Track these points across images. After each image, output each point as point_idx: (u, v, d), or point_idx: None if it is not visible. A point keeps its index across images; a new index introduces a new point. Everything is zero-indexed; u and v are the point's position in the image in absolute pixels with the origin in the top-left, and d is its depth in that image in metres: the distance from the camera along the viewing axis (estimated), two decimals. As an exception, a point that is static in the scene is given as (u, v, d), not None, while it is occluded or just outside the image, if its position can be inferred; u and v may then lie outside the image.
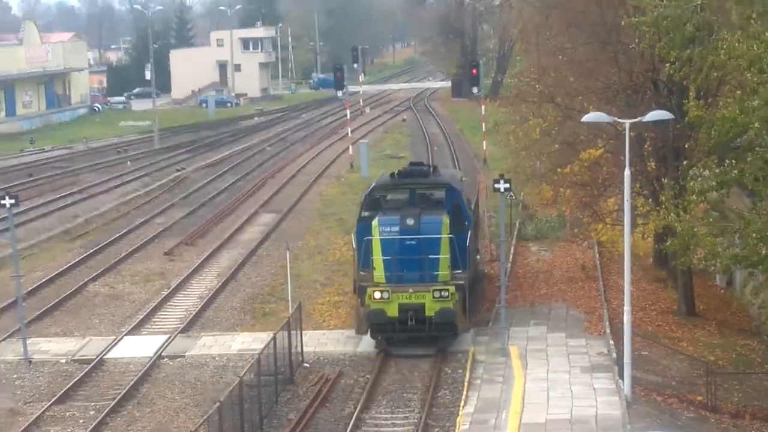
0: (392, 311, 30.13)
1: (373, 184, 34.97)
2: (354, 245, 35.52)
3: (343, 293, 49.44)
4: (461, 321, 30.27)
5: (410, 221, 29.60)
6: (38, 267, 53.99)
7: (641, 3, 36.23)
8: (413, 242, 29.69)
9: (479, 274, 40.48)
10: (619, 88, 41.61)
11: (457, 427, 30.65)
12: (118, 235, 67.18)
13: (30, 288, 47.37)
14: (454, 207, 31.69)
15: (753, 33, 30.91)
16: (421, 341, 31.62)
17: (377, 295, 29.82)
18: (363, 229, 31.70)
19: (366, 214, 32.00)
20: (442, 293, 29.17)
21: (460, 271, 30.81)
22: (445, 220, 30.66)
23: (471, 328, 32.89)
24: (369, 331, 32.06)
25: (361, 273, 32.15)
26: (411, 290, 29.88)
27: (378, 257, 30.20)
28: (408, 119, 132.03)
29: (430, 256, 29.89)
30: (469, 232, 33.39)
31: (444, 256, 30.16)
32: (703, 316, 43.33)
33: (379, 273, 30.08)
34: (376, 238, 30.46)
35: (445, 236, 30.13)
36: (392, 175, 34.41)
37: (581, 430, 30.15)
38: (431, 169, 36.32)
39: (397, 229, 29.95)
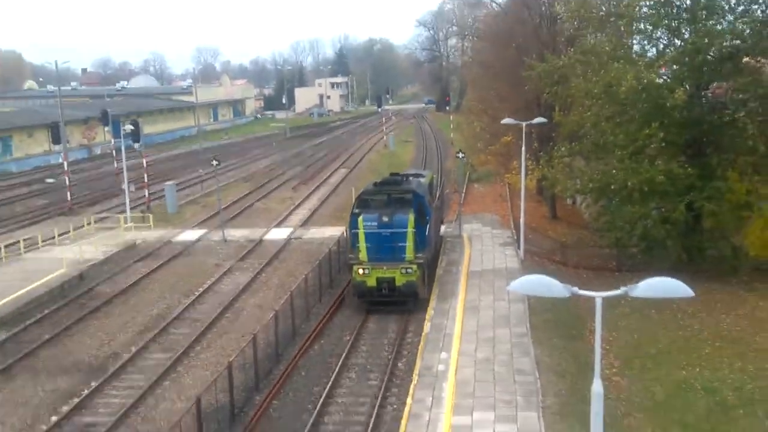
0: (371, 282, 27.76)
1: (362, 190, 31.79)
2: (348, 232, 32.36)
3: None
4: (421, 289, 27.83)
5: (385, 218, 27.53)
6: (229, 195, 54.70)
7: (532, 65, 36.66)
8: (387, 233, 27.38)
9: (437, 245, 35.82)
10: (521, 106, 42.23)
11: (438, 269, 33.43)
12: (268, 179, 67.89)
13: (225, 205, 48.41)
14: (419, 207, 28.91)
15: (587, 79, 33.01)
16: (392, 304, 28.65)
17: (360, 271, 27.64)
18: (353, 221, 28.97)
19: (356, 211, 29.22)
20: (408, 270, 26.99)
21: (421, 253, 28.07)
22: (411, 217, 27.98)
23: (429, 293, 29.27)
24: (356, 296, 29.20)
25: (350, 255, 29.22)
26: (385, 267, 27.43)
27: (362, 243, 27.76)
28: (413, 121, 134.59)
29: (399, 244, 27.36)
30: (429, 224, 30.11)
31: (409, 243, 27.54)
32: (560, 219, 44.63)
33: (363, 254, 27.74)
34: (361, 230, 27.95)
35: (410, 230, 27.60)
36: (375, 184, 31.40)
37: (497, 273, 32.54)
38: (404, 178, 32.93)
39: (375, 223, 27.64)
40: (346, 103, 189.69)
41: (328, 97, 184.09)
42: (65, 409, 21.66)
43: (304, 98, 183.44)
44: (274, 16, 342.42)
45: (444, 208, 43.18)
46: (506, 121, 35.99)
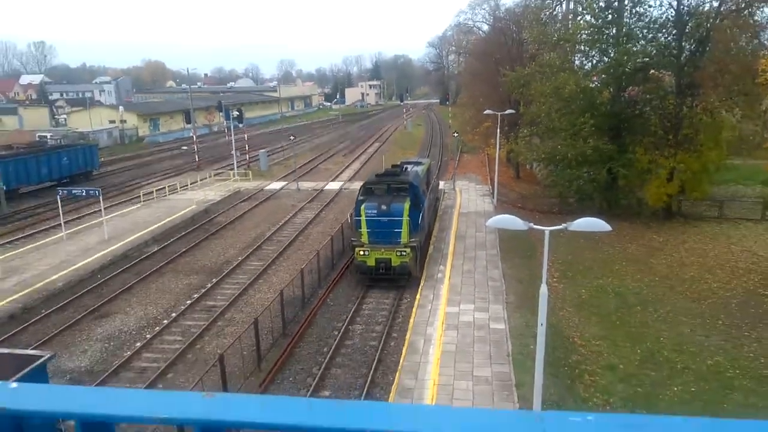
0: (371, 262, 22.44)
1: (366, 180, 26.11)
2: (351, 218, 26.30)
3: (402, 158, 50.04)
4: (414, 269, 22.56)
5: (384, 206, 22.46)
6: (301, 159, 51.52)
7: (506, 74, 36.51)
8: (385, 220, 22.36)
9: (431, 226, 29.38)
10: (497, 102, 40.18)
11: (439, 210, 33.30)
12: (327, 149, 65.83)
13: (298, 166, 45.82)
14: (414, 196, 23.61)
15: (543, 84, 32.49)
16: (388, 281, 22.95)
17: (361, 252, 22.46)
18: (357, 208, 23.51)
19: (360, 198, 23.98)
20: (402, 252, 21.99)
21: (414, 237, 22.94)
22: (406, 206, 22.69)
23: (422, 273, 23.40)
24: (357, 273, 23.27)
25: (353, 238, 23.71)
26: (383, 249, 22.27)
27: (364, 228, 22.62)
28: (424, 112, 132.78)
29: (395, 229, 22.31)
30: (423, 210, 24.31)
31: (404, 229, 22.29)
32: (522, 179, 43.70)
33: (364, 237, 22.62)
34: (363, 216, 22.67)
35: (405, 218, 22.35)
36: (377, 175, 26.08)
37: (478, 213, 32.32)
38: (403, 169, 27.14)
39: (375, 211, 22.48)
40: (379, 98, 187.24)
41: (367, 95, 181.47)
42: (195, 296, 22.18)
43: (351, 95, 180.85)
44: (332, 37, 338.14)
45: (438, 188, 36.29)
46: (487, 111, 35.56)
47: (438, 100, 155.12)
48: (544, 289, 11.61)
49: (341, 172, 50.02)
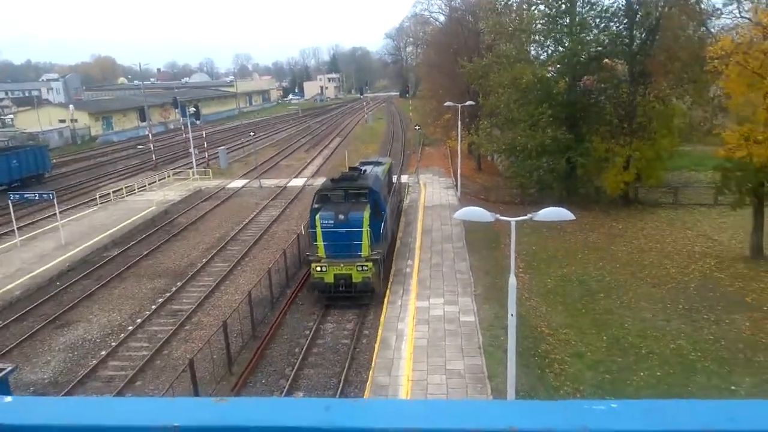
0: (329, 279, 19.84)
1: (320, 186, 23.16)
2: (307, 228, 23.60)
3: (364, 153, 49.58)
4: (377, 285, 20.09)
5: (341, 216, 19.81)
6: (261, 156, 47.92)
7: (464, 65, 36.60)
8: (343, 231, 19.68)
9: (395, 232, 26.84)
10: (457, 93, 40.13)
11: (404, 204, 32.98)
12: (288, 145, 64.28)
13: (259, 163, 46.62)
14: (374, 203, 20.98)
15: (500, 75, 32.84)
16: (350, 299, 20.27)
17: (318, 268, 19.84)
18: (312, 218, 20.62)
19: (316, 206, 21.11)
20: (363, 267, 19.52)
21: (377, 249, 20.29)
22: (366, 215, 20.02)
23: (385, 288, 20.68)
24: (315, 291, 20.73)
25: (308, 252, 21.20)
26: (342, 264, 19.70)
27: (320, 241, 19.92)
28: (384, 105, 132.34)
29: (355, 242, 19.65)
30: (385, 217, 21.67)
31: (364, 241, 19.71)
32: (484, 170, 44.09)
33: (321, 251, 19.98)
34: (318, 228, 19.95)
35: (365, 228, 19.73)
36: (332, 179, 22.72)
37: (443, 206, 32.32)
38: (361, 173, 23.63)
39: (332, 222, 19.78)
40: (338, 92, 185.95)
41: (326, 88, 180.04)
42: (160, 300, 21.66)
43: (310, 89, 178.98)
44: (288, 30, 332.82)
45: (401, 189, 34.73)
46: (447, 103, 35.69)
47: (398, 93, 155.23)
48: (512, 279, 11.74)
49: (304, 169, 49.46)
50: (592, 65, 32.68)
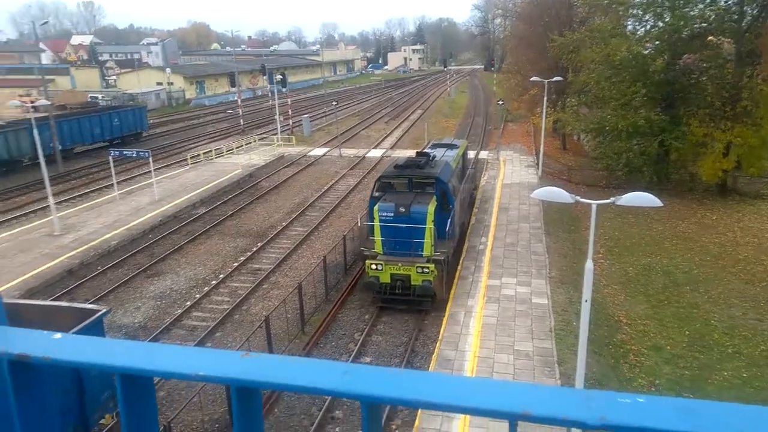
0: (385, 278, 17.63)
1: (382, 172, 20.34)
2: (363, 220, 21.16)
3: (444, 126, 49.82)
4: (438, 290, 17.57)
5: (402, 209, 17.53)
6: (343, 125, 48.93)
7: (554, 39, 34.78)
8: (404, 227, 17.39)
9: (466, 225, 24.00)
10: (544, 68, 37.93)
11: (482, 181, 32.67)
12: (369, 115, 64.51)
13: (341, 132, 47.56)
14: (441, 195, 18.51)
15: (593, 50, 31.42)
16: (407, 303, 17.90)
17: (373, 266, 17.65)
18: (371, 208, 18.40)
19: (376, 194, 19.02)
20: (424, 269, 17.14)
21: (442, 248, 17.83)
22: (430, 209, 17.58)
23: (449, 293, 18.27)
24: (368, 291, 18.55)
25: (362, 247, 18.86)
26: (400, 264, 17.43)
27: (377, 235, 17.89)
28: (468, 78, 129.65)
29: (416, 240, 17.44)
30: (453, 212, 19.09)
31: (427, 240, 17.41)
32: (568, 150, 42.21)
33: (378, 247, 17.92)
34: (376, 220, 17.83)
35: (428, 226, 17.32)
36: (396, 166, 19.86)
37: (522, 185, 31.46)
38: (429, 159, 20.65)
39: (391, 214, 17.57)
40: (422, 64, 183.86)
41: (410, 60, 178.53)
42: (242, 258, 22.65)
43: (394, 60, 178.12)
44: (376, 0, 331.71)
45: (477, 174, 32.09)
46: (534, 79, 34.22)
47: (483, 66, 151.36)
48: (589, 264, 11.32)
49: (383, 140, 49.57)
50: (694, 43, 30.29)
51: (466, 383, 0.98)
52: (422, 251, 17.70)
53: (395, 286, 17.74)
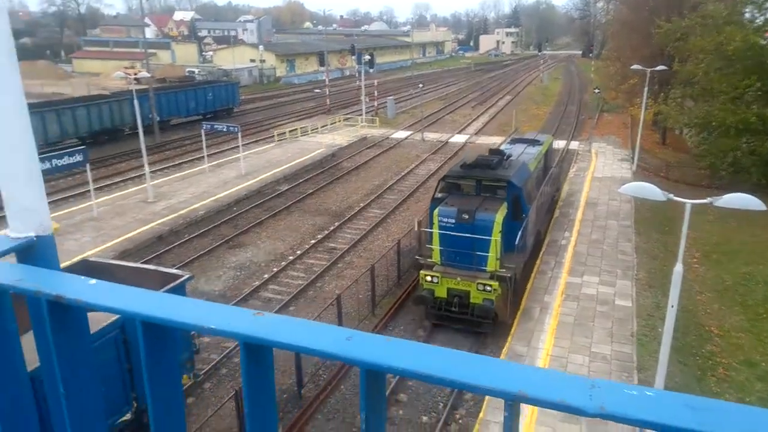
0: (441, 293, 15.67)
1: (447, 171, 18.33)
2: (421, 225, 19.09)
3: (534, 114, 50.03)
4: (502, 311, 15.46)
5: (465, 216, 15.34)
6: (428, 109, 49.41)
7: (661, 24, 32.92)
8: (466, 236, 15.20)
9: (542, 234, 21.54)
10: (647, 56, 35.59)
11: (570, 172, 31.87)
12: (455, 99, 63.44)
13: (425, 116, 47.66)
14: (514, 200, 16.33)
15: (703, 38, 29.40)
16: (464, 322, 15.87)
17: (428, 278, 15.68)
18: (431, 211, 16.43)
19: (438, 195, 17.10)
20: (486, 287, 15.07)
21: (509, 263, 15.67)
22: (498, 217, 15.40)
23: (515, 315, 16.11)
24: (419, 304, 16.49)
25: (418, 256, 17.20)
26: (459, 278, 15.36)
27: (435, 243, 15.95)
28: (564, 63, 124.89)
29: (479, 252, 15.24)
30: (526, 222, 16.68)
31: (492, 253, 15.27)
32: (668, 145, 39.75)
33: (435, 256, 16.01)
34: (435, 226, 15.86)
35: (494, 238, 15.15)
36: (463, 165, 17.54)
37: (614, 180, 30.14)
38: (503, 159, 18.15)
39: (453, 221, 15.44)
40: (515, 47, 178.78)
41: (503, 43, 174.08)
42: (319, 236, 23.28)
43: (486, 43, 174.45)
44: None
45: (562, 173, 29.72)
46: (635, 67, 32.34)
47: (580, 52, 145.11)
48: (678, 267, 10.67)
49: (468, 125, 48.86)
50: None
51: (468, 360, 1.00)
52: (485, 265, 15.56)
53: (452, 302, 15.76)
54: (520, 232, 16.24)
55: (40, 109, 33.95)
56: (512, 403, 0.97)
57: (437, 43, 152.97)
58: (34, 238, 1.43)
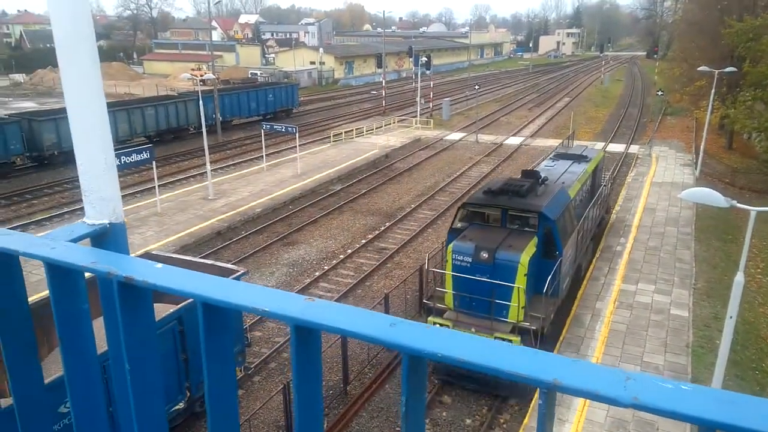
0: None
1: (469, 197, 16.46)
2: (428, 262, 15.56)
3: (593, 116, 47.63)
4: None
5: (484, 254, 12.82)
6: (483, 110, 49.36)
7: (731, 23, 32.05)
8: (484, 279, 12.75)
9: (582, 270, 18.22)
10: (715, 57, 34.34)
11: (628, 177, 31.05)
12: (510, 102, 62.72)
13: (480, 117, 47.07)
14: (546, 235, 13.76)
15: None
16: (477, 383, 13.31)
17: (438, 325, 7.45)
18: (448, 243, 14.01)
19: (457, 225, 14.69)
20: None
21: (537, 314, 13.09)
22: (525, 258, 12.81)
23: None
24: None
25: (425, 300, 14.75)
26: (473, 329, 12.66)
27: (449, 285, 13.50)
28: (626, 65, 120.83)
29: (499, 300, 12.72)
30: (561, 261, 13.85)
31: (514, 303, 12.80)
32: (735, 150, 37.93)
33: (448, 301, 13.68)
34: (449, 264, 13.42)
35: (517, 285, 12.67)
36: (486, 192, 14.90)
37: (674, 185, 29.19)
38: (536, 184, 15.36)
39: (469, 260, 12.94)
40: (576, 48, 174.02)
41: (563, 44, 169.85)
42: (370, 236, 23.50)
43: (545, 44, 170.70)
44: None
45: (611, 194, 26.24)
46: (702, 68, 31.05)
47: (644, 53, 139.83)
48: (739, 277, 10.24)
49: (523, 127, 48.02)
50: None
51: (505, 348, 1.03)
52: (507, 315, 13.01)
53: None
54: (552, 273, 13.45)
55: (112, 109, 35.75)
56: (547, 392, 0.98)
57: (495, 44, 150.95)
58: (108, 225, 1.57)
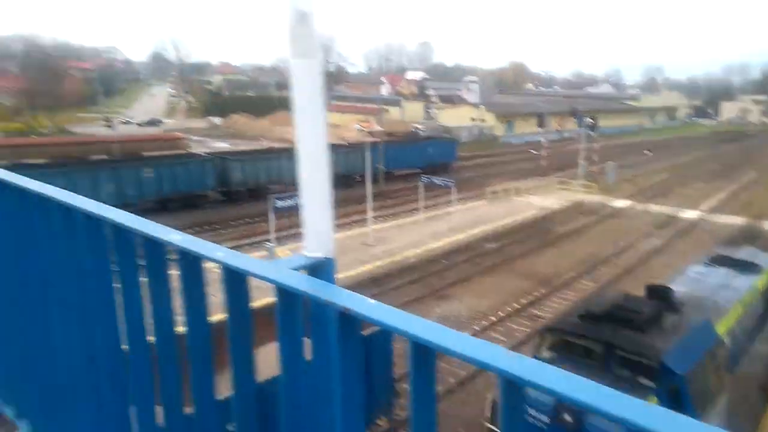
0: None
1: (555, 320, 11.96)
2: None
3: None
4: None
5: (567, 416, 6.68)
6: (654, 178, 48.80)
7: None
8: None
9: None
10: None
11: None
12: (687, 171, 58.39)
13: (650, 185, 46.08)
14: (671, 395, 7.08)
15: None
16: None
17: None
18: None
19: (543, 354, 9.08)
20: None
21: None
22: None
23: None
24: None
25: None
26: None
27: None
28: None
29: None
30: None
31: None
32: None
33: None
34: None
35: None
36: (582, 315, 9.12)
37: None
38: (661, 311, 8.93)
39: (546, 420, 6.90)
40: (764, 116, 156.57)
41: (749, 111, 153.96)
42: (523, 301, 22.71)
43: (728, 109, 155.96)
44: (711, 42, 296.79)
45: None
46: None
47: None
48: None
49: (701, 200, 43.86)
50: None
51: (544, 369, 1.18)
52: None
53: None
54: None
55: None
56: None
57: (668, 108, 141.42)
58: (323, 258, 1.75)
